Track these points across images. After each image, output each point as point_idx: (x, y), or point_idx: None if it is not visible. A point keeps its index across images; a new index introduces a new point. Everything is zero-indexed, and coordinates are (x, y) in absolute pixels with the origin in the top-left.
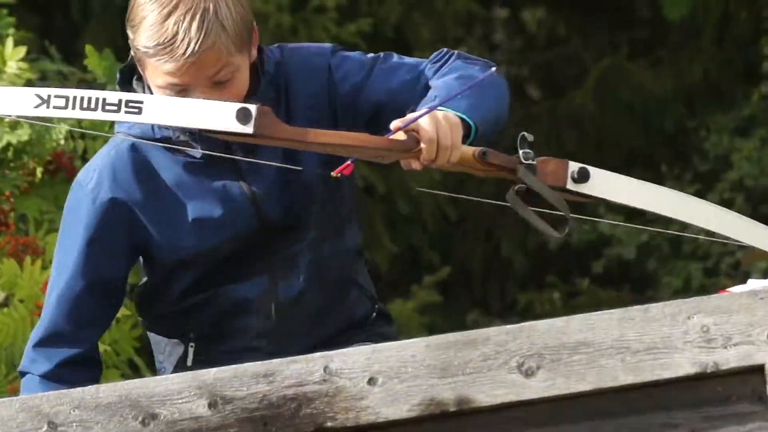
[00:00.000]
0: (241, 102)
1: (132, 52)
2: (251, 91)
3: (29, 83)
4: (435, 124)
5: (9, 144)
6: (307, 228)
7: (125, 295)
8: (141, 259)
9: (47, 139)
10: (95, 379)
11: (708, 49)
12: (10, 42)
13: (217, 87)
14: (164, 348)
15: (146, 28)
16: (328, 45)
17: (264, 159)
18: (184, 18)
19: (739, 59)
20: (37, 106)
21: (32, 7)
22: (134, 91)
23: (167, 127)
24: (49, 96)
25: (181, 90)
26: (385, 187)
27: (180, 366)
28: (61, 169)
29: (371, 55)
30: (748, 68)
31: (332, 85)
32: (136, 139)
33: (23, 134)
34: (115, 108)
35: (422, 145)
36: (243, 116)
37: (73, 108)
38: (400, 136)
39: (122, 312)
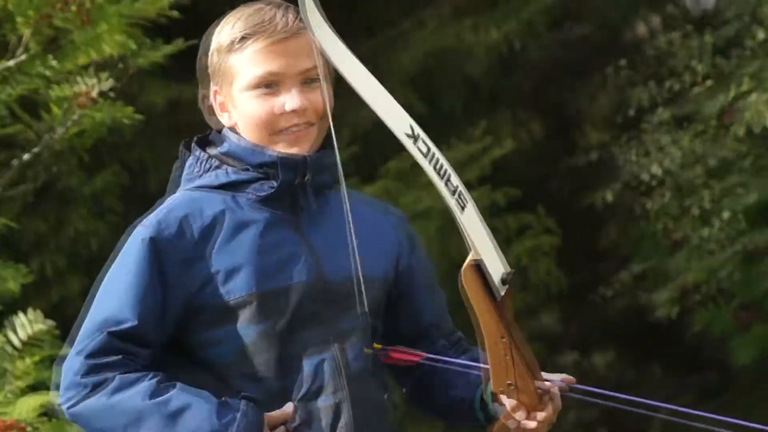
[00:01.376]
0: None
1: (207, 88)
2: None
3: None
4: (558, 402)
5: None
6: (361, 302)
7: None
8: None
9: None
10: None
11: None
12: None
13: (306, 86)
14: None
15: (241, 20)
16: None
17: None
18: (278, 6)
19: None
20: (408, 135)
21: None
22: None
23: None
24: (418, 135)
25: (272, 83)
26: None
27: None
28: None
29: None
30: None
31: (404, 250)
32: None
33: None
34: (451, 192)
35: (548, 411)
36: (504, 281)
37: (429, 162)
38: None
39: None
